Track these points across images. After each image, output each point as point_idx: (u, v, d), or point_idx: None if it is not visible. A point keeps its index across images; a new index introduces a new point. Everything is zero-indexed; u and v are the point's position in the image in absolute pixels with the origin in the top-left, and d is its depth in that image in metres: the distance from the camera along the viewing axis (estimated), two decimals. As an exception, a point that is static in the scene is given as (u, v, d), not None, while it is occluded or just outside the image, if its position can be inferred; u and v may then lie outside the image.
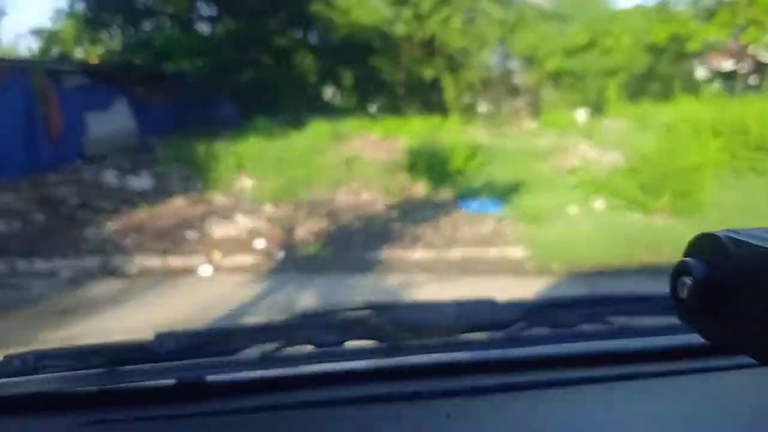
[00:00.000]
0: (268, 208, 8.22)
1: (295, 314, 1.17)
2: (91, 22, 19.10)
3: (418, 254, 6.67)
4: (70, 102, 11.45)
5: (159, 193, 9.31)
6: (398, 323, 1.06)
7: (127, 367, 0.97)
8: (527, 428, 0.95)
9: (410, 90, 19.19)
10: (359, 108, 24.49)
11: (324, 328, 1.05)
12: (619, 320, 1.09)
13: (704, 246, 0.46)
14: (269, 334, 1.06)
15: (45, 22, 34.55)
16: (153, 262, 6.44)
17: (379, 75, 18.51)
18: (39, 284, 5.93)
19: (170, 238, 7.06)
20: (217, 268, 6.33)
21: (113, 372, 0.95)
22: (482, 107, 21.48)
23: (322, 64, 20.48)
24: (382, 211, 8.39)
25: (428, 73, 17.18)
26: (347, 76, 22.41)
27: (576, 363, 1.07)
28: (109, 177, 9.93)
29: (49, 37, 20.48)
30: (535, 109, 20.45)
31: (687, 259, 0.46)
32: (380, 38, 16.89)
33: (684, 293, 0.45)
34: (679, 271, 0.46)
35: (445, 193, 9.19)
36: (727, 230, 0.45)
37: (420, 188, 9.55)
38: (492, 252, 6.74)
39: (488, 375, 1.04)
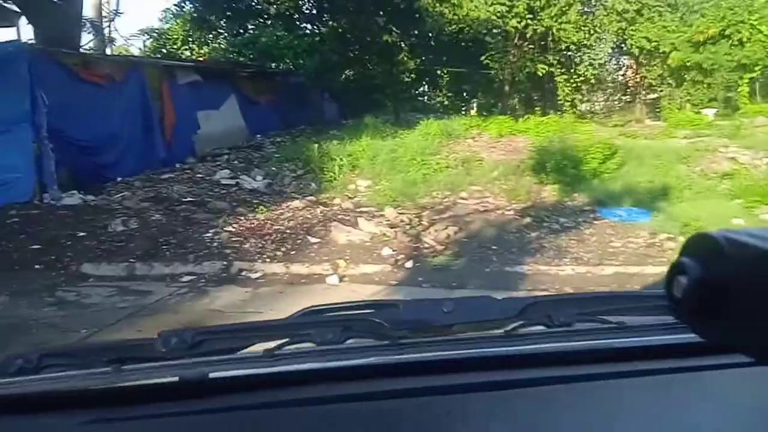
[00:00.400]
0: (390, 212, 7.65)
1: (297, 312, 1.16)
2: (197, 22, 19.36)
3: (566, 269, 5.90)
4: (182, 99, 11.36)
5: (273, 193, 8.95)
6: (398, 321, 1.05)
7: (131, 366, 0.95)
8: (524, 425, 0.94)
9: (516, 87, 18.22)
10: (459, 106, 23.77)
11: (325, 325, 1.05)
12: (615, 318, 1.08)
13: (700, 246, 0.45)
14: (271, 332, 1.07)
15: (154, 22, 35.79)
16: (275, 268, 6.00)
17: (485, 72, 17.65)
18: (159, 290, 5.60)
19: (291, 243, 6.62)
20: (343, 278, 5.81)
21: (117, 370, 0.94)
22: (595, 105, 20.23)
23: (426, 62, 19.85)
24: (513, 217, 7.64)
25: (540, 69, 16.13)
26: (450, 74, 21.70)
27: (572, 360, 1.02)
28: (223, 175, 9.68)
29: (158, 37, 20.93)
30: (652, 107, 18.99)
31: (683, 258, 0.45)
32: (491, 33, 16.03)
33: (680, 292, 0.45)
34: (674, 270, 0.46)
35: (580, 198, 8.33)
36: (723, 230, 0.44)
37: (549, 192, 8.73)
38: (651, 270, 5.87)
39: (486, 372, 1.00)
